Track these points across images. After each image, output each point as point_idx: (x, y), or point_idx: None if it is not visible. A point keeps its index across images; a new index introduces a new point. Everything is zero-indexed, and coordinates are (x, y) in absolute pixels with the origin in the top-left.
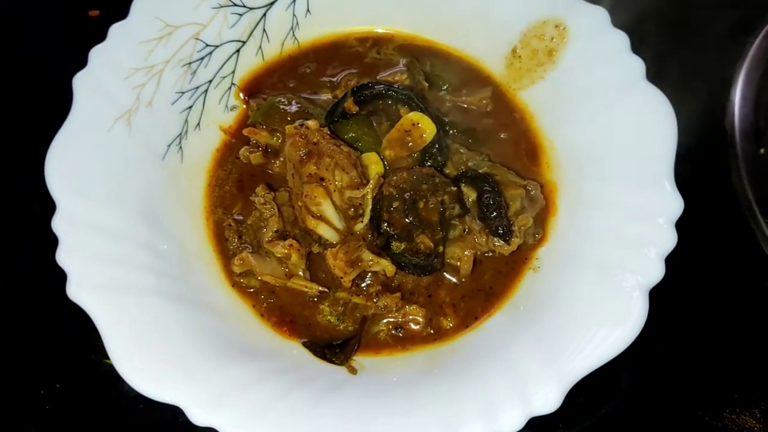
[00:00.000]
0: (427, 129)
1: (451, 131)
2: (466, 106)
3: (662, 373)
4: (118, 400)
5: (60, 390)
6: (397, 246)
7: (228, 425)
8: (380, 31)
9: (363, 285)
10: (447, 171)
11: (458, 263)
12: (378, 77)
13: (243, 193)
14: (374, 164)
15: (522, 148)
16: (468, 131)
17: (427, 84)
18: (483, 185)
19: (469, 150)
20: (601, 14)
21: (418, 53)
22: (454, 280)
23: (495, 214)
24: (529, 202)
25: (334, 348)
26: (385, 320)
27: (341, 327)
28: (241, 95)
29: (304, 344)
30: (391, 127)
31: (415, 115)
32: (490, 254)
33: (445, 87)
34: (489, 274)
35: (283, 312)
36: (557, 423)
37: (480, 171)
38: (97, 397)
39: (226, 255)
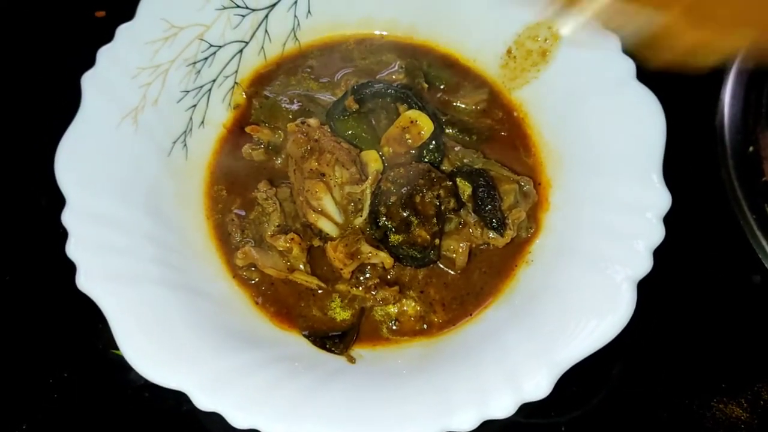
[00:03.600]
0: (425, 126)
1: (447, 129)
2: (463, 105)
3: (651, 364)
4: (124, 388)
5: (67, 379)
6: (395, 239)
7: (230, 408)
8: (378, 32)
9: (362, 278)
10: (443, 167)
11: (454, 255)
12: (377, 77)
13: (243, 188)
14: (373, 162)
15: (516, 146)
16: (464, 129)
17: (426, 85)
18: (478, 180)
19: (465, 147)
20: None
21: (415, 53)
22: (450, 272)
23: (489, 207)
24: (522, 197)
25: (334, 338)
26: (382, 313)
27: (338, 319)
28: (243, 94)
29: (304, 335)
30: (389, 125)
31: (413, 113)
32: (485, 246)
33: (442, 87)
34: (478, 274)
35: (281, 303)
36: (549, 411)
37: (475, 167)
38: (103, 386)
39: (227, 248)
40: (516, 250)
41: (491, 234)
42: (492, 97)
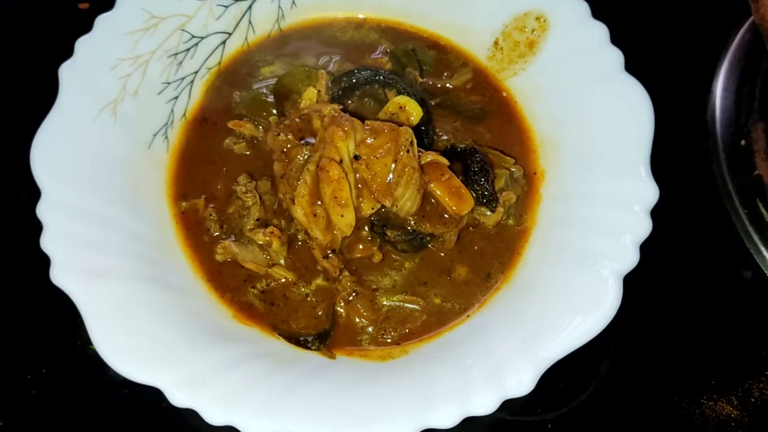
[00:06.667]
0: (414, 112)
1: (436, 116)
2: (451, 86)
3: (639, 361)
4: (102, 384)
5: (46, 375)
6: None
7: (206, 406)
8: (362, 16)
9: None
10: None
11: (442, 236)
12: (363, 62)
13: (223, 182)
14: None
15: (505, 137)
16: (456, 111)
17: (421, 79)
18: (473, 156)
19: (454, 135)
20: (581, 6)
21: (401, 40)
22: (441, 254)
23: (482, 180)
24: (512, 182)
25: (308, 338)
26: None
27: (313, 316)
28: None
29: (279, 334)
30: (377, 112)
31: (401, 99)
32: (475, 226)
33: (425, 68)
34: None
35: (256, 299)
36: (535, 409)
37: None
38: (82, 381)
39: (206, 243)
40: (503, 243)
41: (481, 210)
42: (481, 87)
